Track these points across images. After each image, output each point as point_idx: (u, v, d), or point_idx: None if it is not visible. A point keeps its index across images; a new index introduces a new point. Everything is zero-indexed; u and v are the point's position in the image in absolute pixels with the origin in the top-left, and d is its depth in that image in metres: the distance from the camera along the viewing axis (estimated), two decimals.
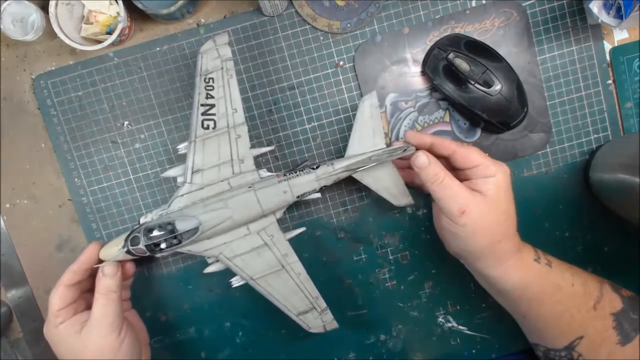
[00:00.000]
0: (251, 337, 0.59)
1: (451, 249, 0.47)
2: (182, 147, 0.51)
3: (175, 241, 0.48)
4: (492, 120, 0.51)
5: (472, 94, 0.51)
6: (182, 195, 0.50)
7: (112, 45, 0.52)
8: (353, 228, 0.57)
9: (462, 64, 0.50)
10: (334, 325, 0.52)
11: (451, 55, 0.51)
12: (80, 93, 0.55)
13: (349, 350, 0.59)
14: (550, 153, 0.56)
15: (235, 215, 0.49)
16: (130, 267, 0.52)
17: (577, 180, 0.56)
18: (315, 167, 0.50)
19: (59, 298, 0.47)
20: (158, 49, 0.54)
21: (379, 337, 0.59)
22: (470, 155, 0.45)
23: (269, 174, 0.51)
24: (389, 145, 0.50)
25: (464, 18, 0.54)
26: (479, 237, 0.44)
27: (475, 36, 0.54)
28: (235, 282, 0.51)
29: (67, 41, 0.50)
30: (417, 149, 0.48)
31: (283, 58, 0.55)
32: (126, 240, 0.48)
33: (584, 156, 0.56)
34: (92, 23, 0.52)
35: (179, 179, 0.51)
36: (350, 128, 0.51)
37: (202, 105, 0.49)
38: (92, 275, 0.49)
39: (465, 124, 0.55)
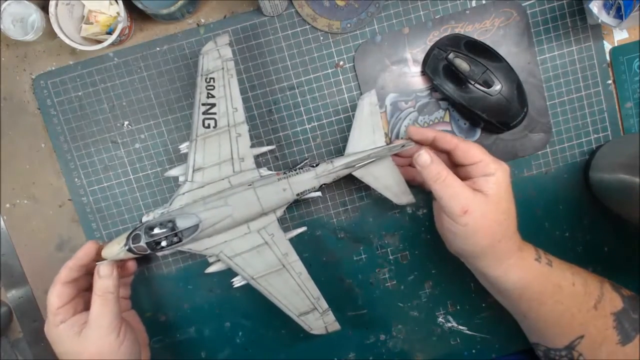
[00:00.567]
0: (251, 337, 0.59)
1: (452, 248, 0.47)
2: (183, 147, 0.51)
3: (175, 239, 0.48)
4: (492, 120, 0.51)
5: (472, 94, 0.51)
6: (183, 194, 0.50)
7: (112, 45, 0.52)
8: (353, 228, 0.57)
9: (462, 64, 0.50)
10: (336, 327, 0.51)
11: (451, 55, 0.51)
12: (80, 93, 0.55)
13: (349, 350, 0.59)
14: (550, 153, 0.56)
15: (236, 213, 0.49)
16: (132, 265, 0.52)
17: (577, 180, 0.56)
18: (314, 165, 0.50)
19: (57, 296, 0.47)
20: (158, 49, 0.54)
21: (379, 337, 0.59)
22: (470, 151, 0.45)
23: (269, 172, 0.51)
24: (389, 144, 0.50)
25: (464, 18, 0.54)
26: (480, 237, 0.44)
27: (475, 36, 0.54)
28: (237, 282, 0.52)
29: (67, 41, 0.50)
30: (420, 144, 0.48)
31: (283, 58, 0.55)
32: (128, 238, 0.48)
33: (584, 156, 0.56)
34: (92, 23, 0.52)
35: (181, 178, 0.51)
36: (350, 128, 0.51)
37: (203, 104, 0.50)
38: (89, 273, 0.49)
39: (465, 124, 0.55)
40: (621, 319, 0.45)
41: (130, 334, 0.48)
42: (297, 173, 0.50)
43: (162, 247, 0.48)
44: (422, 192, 0.56)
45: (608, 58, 0.55)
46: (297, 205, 0.57)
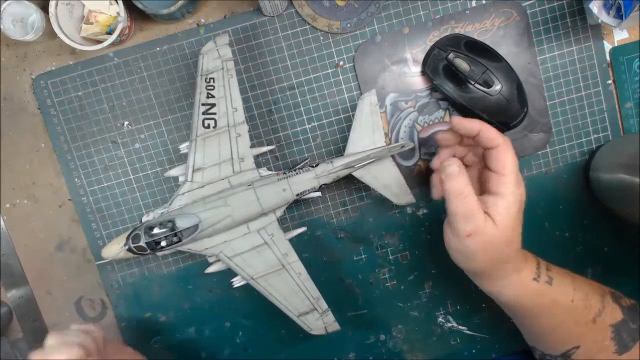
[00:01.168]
0: (251, 337, 0.59)
1: (451, 257, 0.47)
2: (183, 147, 0.51)
3: (175, 239, 0.48)
4: (492, 120, 0.51)
5: (472, 94, 0.51)
6: (183, 194, 0.50)
7: (112, 45, 0.52)
8: (353, 228, 0.57)
9: (462, 64, 0.50)
10: (336, 327, 0.51)
11: (451, 56, 0.51)
12: (80, 93, 0.55)
13: (349, 350, 0.59)
14: (550, 153, 0.56)
15: (235, 213, 0.49)
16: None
17: (577, 180, 0.56)
18: (314, 165, 0.50)
19: None
20: (158, 49, 0.54)
21: (379, 337, 0.59)
22: (504, 160, 0.43)
23: (269, 172, 0.51)
24: (389, 144, 0.50)
25: (464, 18, 0.54)
26: (478, 259, 0.43)
27: (475, 36, 0.54)
28: (237, 282, 0.52)
29: (67, 41, 0.50)
30: (457, 137, 0.47)
31: (283, 58, 0.55)
32: (128, 238, 0.48)
33: (584, 156, 0.56)
34: (92, 23, 0.52)
35: (181, 178, 0.51)
36: (350, 128, 0.51)
37: (203, 104, 0.50)
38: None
39: None
40: (620, 330, 0.45)
41: None
42: (297, 173, 0.50)
43: (162, 247, 0.48)
44: (422, 192, 0.56)
45: (608, 58, 0.55)
46: (297, 205, 0.57)
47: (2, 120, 0.56)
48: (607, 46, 0.55)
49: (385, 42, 0.54)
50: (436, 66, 0.52)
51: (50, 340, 0.42)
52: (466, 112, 0.53)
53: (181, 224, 0.48)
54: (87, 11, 0.52)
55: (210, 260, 0.52)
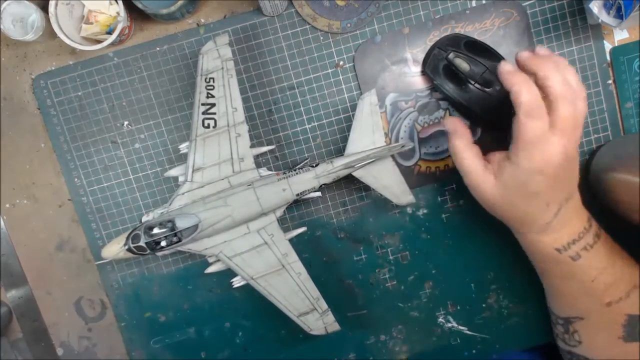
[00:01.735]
0: (251, 337, 0.59)
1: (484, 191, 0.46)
2: (183, 147, 0.51)
3: (175, 239, 0.48)
4: (492, 120, 0.51)
5: (472, 94, 0.51)
6: (182, 194, 0.50)
7: (112, 45, 0.52)
8: (353, 228, 0.57)
9: (462, 64, 0.50)
10: (336, 327, 0.51)
11: (451, 55, 0.51)
12: (80, 93, 0.55)
13: (349, 350, 0.59)
14: None
15: (235, 213, 0.49)
16: None
17: None
18: (314, 165, 0.50)
19: None
20: (158, 49, 0.54)
21: (379, 337, 0.59)
22: (519, 130, 0.41)
23: (269, 172, 0.51)
24: (389, 144, 0.50)
25: (464, 18, 0.54)
26: (488, 208, 0.45)
27: (476, 36, 0.54)
28: (237, 282, 0.52)
29: (67, 41, 0.50)
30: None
31: (283, 58, 0.55)
32: (127, 238, 0.48)
33: (584, 156, 0.56)
34: (92, 23, 0.52)
35: (180, 178, 0.51)
36: (350, 128, 0.51)
37: (202, 104, 0.50)
38: None
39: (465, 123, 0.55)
40: (634, 322, 0.44)
41: None
42: (296, 173, 0.50)
43: (162, 247, 0.48)
44: (422, 192, 0.56)
45: (608, 58, 0.55)
46: (297, 206, 0.57)
47: (2, 120, 0.56)
48: (607, 46, 0.55)
49: (385, 42, 0.54)
50: (436, 66, 0.52)
51: None
52: (466, 111, 0.53)
53: (181, 224, 0.48)
54: (87, 11, 0.52)
55: (210, 260, 0.52)
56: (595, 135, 0.56)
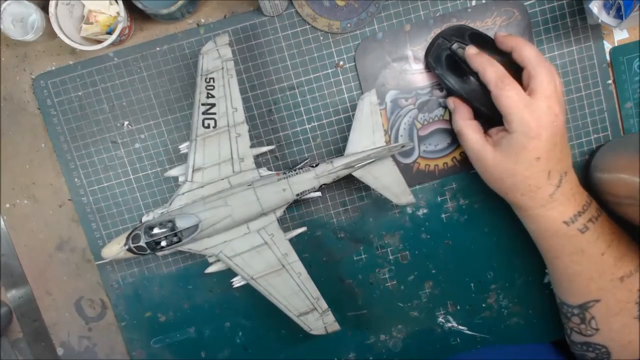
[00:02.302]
0: (251, 337, 0.59)
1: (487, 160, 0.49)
2: (183, 147, 0.51)
3: (175, 239, 0.48)
4: (492, 114, 0.51)
5: (473, 86, 0.50)
6: (183, 194, 0.50)
7: (112, 45, 0.52)
8: (353, 228, 0.57)
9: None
10: (336, 327, 0.51)
11: (455, 46, 0.51)
12: (80, 93, 0.55)
13: (349, 350, 0.59)
14: None
15: (235, 213, 0.49)
16: None
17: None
18: (314, 165, 0.50)
19: None
20: (158, 49, 0.54)
21: (379, 337, 0.59)
22: (505, 103, 0.45)
23: (269, 172, 0.51)
24: (389, 143, 0.50)
25: (466, 16, 0.54)
26: (489, 182, 0.48)
27: None
28: (237, 282, 0.52)
29: (67, 41, 0.50)
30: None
31: (283, 58, 0.55)
32: (128, 238, 0.48)
33: (584, 156, 0.56)
34: (92, 23, 0.52)
35: (181, 178, 0.51)
36: (350, 128, 0.51)
37: (202, 104, 0.50)
38: None
39: None
40: None
41: None
42: (296, 173, 0.50)
43: (162, 247, 0.48)
44: (422, 192, 0.56)
45: (608, 58, 0.55)
46: (297, 206, 0.57)
47: (2, 120, 0.56)
48: (607, 46, 0.55)
49: (386, 39, 0.54)
50: (439, 55, 0.52)
51: None
52: (466, 103, 0.52)
53: (181, 224, 0.48)
54: (87, 11, 0.52)
55: (210, 260, 0.52)
56: (595, 135, 0.56)
